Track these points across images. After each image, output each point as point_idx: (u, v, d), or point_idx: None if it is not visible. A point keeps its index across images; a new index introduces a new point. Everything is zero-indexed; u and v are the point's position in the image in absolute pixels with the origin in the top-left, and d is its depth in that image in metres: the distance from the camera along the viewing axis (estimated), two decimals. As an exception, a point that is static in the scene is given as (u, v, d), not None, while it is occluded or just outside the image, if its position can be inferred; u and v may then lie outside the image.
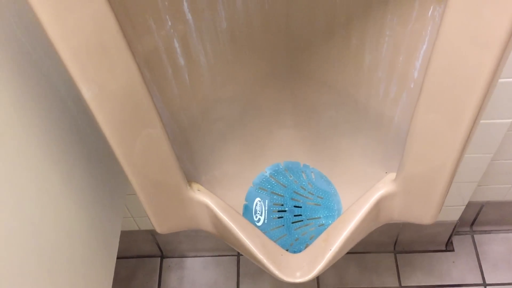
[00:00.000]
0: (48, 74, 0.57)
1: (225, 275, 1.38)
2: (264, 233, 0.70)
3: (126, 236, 1.29)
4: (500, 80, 0.79)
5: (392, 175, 0.61)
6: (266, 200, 0.74)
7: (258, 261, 0.60)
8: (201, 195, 0.61)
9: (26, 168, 0.50)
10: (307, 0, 0.57)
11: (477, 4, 0.39)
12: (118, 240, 0.75)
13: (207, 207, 0.61)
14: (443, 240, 1.36)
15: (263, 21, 0.60)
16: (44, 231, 0.54)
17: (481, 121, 0.88)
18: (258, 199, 0.74)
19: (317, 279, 1.33)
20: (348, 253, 0.65)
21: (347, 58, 0.61)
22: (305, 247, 0.64)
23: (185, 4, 0.53)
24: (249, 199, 0.74)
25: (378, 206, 0.61)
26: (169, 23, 0.53)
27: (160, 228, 0.63)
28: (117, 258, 0.75)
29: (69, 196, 0.59)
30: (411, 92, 0.57)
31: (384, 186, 0.61)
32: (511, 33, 0.39)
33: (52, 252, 0.55)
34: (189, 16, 0.55)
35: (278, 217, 0.73)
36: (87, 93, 0.43)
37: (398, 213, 0.63)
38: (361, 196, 0.62)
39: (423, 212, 0.60)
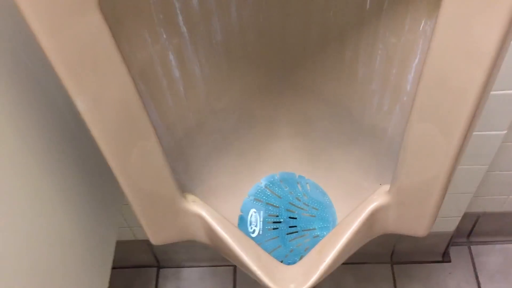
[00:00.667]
0: (45, 83, 0.57)
1: (222, 285, 1.38)
2: (259, 244, 0.70)
3: (122, 246, 1.28)
4: (494, 93, 0.80)
5: (386, 187, 0.61)
6: (261, 211, 0.74)
7: (253, 273, 0.60)
8: (196, 206, 0.61)
9: (19, 176, 0.50)
10: (302, 13, 0.57)
11: (467, 18, 0.39)
12: (113, 249, 0.75)
13: (202, 219, 0.62)
14: (440, 251, 1.36)
15: (258, 34, 0.60)
16: (36, 241, 0.54)
17: (476, 133, 0.89)
18: (253, 210, 0.74)
19: (314, 290, 1.33)
20: (344, 263, 0.65)
21: (341, 71, 0.62)
22: (300, 259, 0.64)
23: (179, 17, 0.54)
24: (244, 210, 0.74)
25: (372, 217, 0.61)
26: (164, 36, 0.54)
27: (155, 240, 0.63)
28: (113, 268, 0.75)
29: (63, 206, 0.60)
30: (404, 104, 0.57)
31: (378, 198, 0.61)
32: (500, 47, 0.40)
33: (45, 262, 0.55)
34: (184, 29, 0.55)
35: (273, 228, 0.73)
36: (82, 105, 0.43)
37: (392, 225, 0.63)
38: (355, 208, 0.62)
39: (417, 224, 0.61)
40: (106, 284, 0.72)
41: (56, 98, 0.59)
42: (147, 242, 1.29)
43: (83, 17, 0.39)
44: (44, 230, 0.55)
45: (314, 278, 0.59)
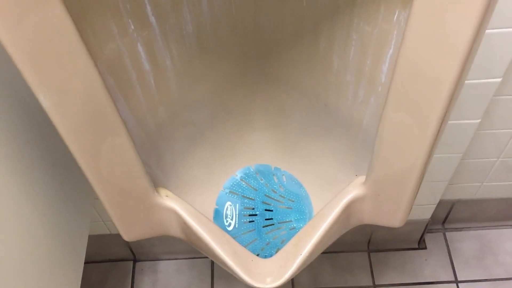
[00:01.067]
0: (10, 79, 0.55)
1: (199, 278, 1.37)
2: (235, 238, 0.69)
3: (97, 240, 1.27)
4: (468, 82, 0.80)
5: (362, 178, 0.61)
6: (237, 204, 0.74)
7: (228, 267, 0.59)
8: (169, 201, 0.60)
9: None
10: (275, 4, 0.56)
11: (441, 9, 0.38)
12: (85, 244, 0.74)
13: (176, 213, 0.60)
14: (415, 238, 1.37)
15: (231, 25, 0.59)
16: (5, 239, 0.52)
17: (451, 122, 0.89)
18: (228, 203, 0.74)
19: (292, 280, 1.33)
20: (322, 252, 0.65)
21: (315, 61, 0.61)
22: (276, 252, 0.64)
23: (148, 7, 0.52)
24: (220, 203, 0.73)
25: (348, 209, 0.61)
26: (132, 27, 0.52)
27: (128, 236, 0.61)
28: (88, 262, 0.74)
29: (30, 202, 0.58)
30: (379, 95, 0.57)
31: (354, 189, 0.61)
32: (474, 37, 0.39)
33: (15, 258, 0.54)
34: (152, 19, 0.53)
35: (249, 221, 0.72)
36: (45, 101, 0.41)
37: (368, 216, 0.62)
38: (331, 200, 0.61)
39: (393, 215, 0.60)
40: (79, 278, 0.70)
41: (20, 88, 0.57)
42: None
43: (44, 8, 0.37)
44: (11, 225, 0.53)
45: (291, 271, 0.59)
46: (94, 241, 1.16)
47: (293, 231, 0.71)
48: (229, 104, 0.70)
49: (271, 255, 0.63)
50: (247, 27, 0.60)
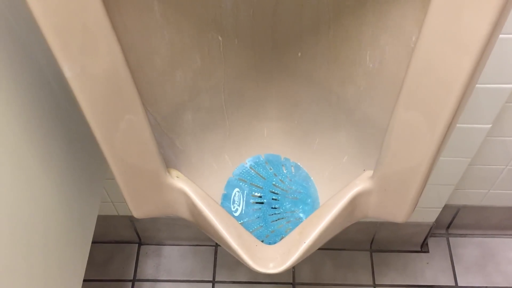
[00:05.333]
0: (31, 51, 0.56)
1: (202, 265, 1.38)
2: (241, 223, 0.70)
3: (104, 221, 1.29)
4: (480, 86, 0.81)
5: (370, 173, 0.62)
6: (245, 191, 0.75)
7: (232, 250, 0.61)
8: (179, 182, 0.62)
9: (1, 143, 0.50)
10: (295, -6, 0.57)
11: (458, 7, 0.39)
12: (94, 223, 0.75)
13: (185, 194, 0.62)
14: (418, 241, 1.38)
15: (251, 13, 0.60)
16: (18, 209, 0.54)
17: (461, 125, 0.90)
18: (236, 189, 0.75)
19: (293, 273, 1.34)
20: (324, 249, 0.66)
21: (331, 55, 0.62)
22: (281, 239, 0.65)
23: (173, -10, 0.53)
24: (228, 189, 0.75)
25: (354, 202, 0.62)
26: (157, 10, 0.53)
27: (137, 213, 0.63)
28: (94, 242, 0.75)
29: (46, 176, 0.59)
30: (392, 91, 0.57)
31: (361, 183, 0.61)
32: (489, 37, 0.40)
33: (26, 230, 0.55)
34: (179, 2, 0.54)
35: (256, 209, 0.74)
36: (69, 72, 0.42)
37: (373, 210, 0.63)
38: (338, 192, 0.62)
39: (397, 210, 0.61)
40: (86, 256, 0.72)
41: (42, 65, 0.58)
42: (129, 218, 1.30)
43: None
44: (26, 199, 0.55)
45: (293, 258, 0.60)
46: (102, 221, 1.17)
47: (298, 221, 0.72)
48: (244, 92, 0.71)
49: (275, 243, 0.65)
50: (267, 17, 0.61)
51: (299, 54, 0.65)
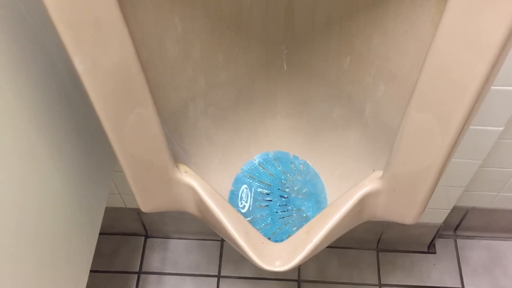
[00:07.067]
0: (44, 44, 0.56)
1: (208, 259, 1.39)
2: (248, 220, 0.70)
3: (111, 213, 1.29)
4: (494, 88, 0.80)
5: (379, 173, 0.61)
6: (253, 188, 0.75)
7: (239, 247, 0.61)
8: (187, 177, 0.61)
9: (11, 135, 0.50)
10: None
11: (475, 8, 0.39)
12: (102, 215, 0.75)
13: (193, 190, 0.62)
14: (426, 241, 1.37)
15: (264, 10, 0.59)
16: (27, 200, 0.54)
17: (472, 127, 0.89)
18: (244, 186, 0.75)
19: (298, 270, 1.34)
20: (330, 247, 0.66)
21: (343, 54, 0.61)
22: (288, 237, 0.65)
23: (186, -16, 0.53)
24: (236, 185, 0.75)
25: (362, 202, 0.61)
26: (169, 7, 0.53)
27: (144, 207, 0.63)
28: (101, 234, 0.75)
29: (55, 167, 0.59)
30: (404, 92, 0.57)
31: (370, 183, 0.61)
32: (506, 40, 0.39)
33: (35, 220, 0.55)
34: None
35: (263, 206, 0.73)
36: (80, 65, 0.42)
37: (382, 211, 0.63)
38: (346, 191, 0.62)
39: (406, 211, 0.61)
40: (93, 247, 0.72)
41: (55, 58, 0.58)
42: (136, 211, 1.30)
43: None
44: (34, 188, 0.55)
45: (300, 257, 0.60)
46: (109, 213, 1.18)
47: (305, 219, 0.72)
48: (255, 88, 0.71)
49: (281, 241, 0.65)
50: (280, 14, 0.60)
51: (311, 51, 0.65)
